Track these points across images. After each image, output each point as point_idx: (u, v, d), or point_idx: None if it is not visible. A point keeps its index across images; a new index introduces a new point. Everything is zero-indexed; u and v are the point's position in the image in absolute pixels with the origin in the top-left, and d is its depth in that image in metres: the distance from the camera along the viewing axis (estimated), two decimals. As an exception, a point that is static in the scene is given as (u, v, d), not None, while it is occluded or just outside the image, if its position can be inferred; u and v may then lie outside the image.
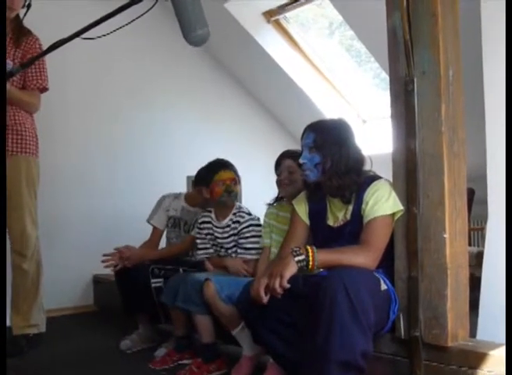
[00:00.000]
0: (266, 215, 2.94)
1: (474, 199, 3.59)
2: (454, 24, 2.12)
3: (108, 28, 2.23)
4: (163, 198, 3.57)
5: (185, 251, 3.40)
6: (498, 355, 1.89)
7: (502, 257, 2.41)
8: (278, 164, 2.82)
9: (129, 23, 2.22)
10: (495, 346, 1.97)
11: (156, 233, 3.54)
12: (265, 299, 1.96)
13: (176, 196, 3.54)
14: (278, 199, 2.88)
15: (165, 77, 5.03)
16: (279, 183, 2.80)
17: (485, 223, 3.44)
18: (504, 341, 1.98)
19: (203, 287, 2.66)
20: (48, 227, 3.88)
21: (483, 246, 3.29)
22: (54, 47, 2.36)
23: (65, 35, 2.27)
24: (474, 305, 2.28)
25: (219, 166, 3.10)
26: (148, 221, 3.54)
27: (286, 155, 2.80)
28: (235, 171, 3.12)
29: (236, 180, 3.08)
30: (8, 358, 2.78)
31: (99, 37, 2.32)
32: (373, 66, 5.36)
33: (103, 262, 3.21)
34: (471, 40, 2.33)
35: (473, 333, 2.22)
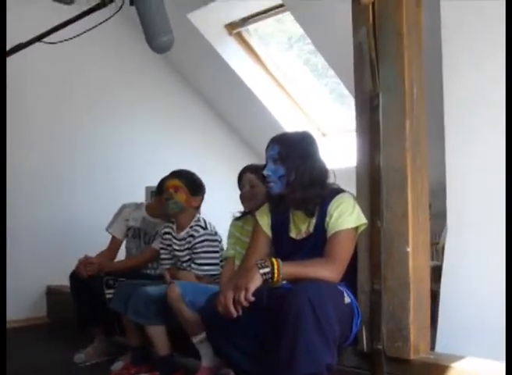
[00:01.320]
0: (232, 226, 2.92)
1: (430, 213, 3.66)
2: (418, 42, 2.17)
3: (70, 34, 2.20)
4: (123, 206, 3.51)
5: (144, 264, 3.35)
6: (459, 368, 1.92)
7: (460, 271, 2.47)
8: (240, 178, 2.82)
9: (92, 28, 2.19)
10: (456, 359, 2.00)
11: (114, 243, 3.49)
12: (235, 314, 1.93)
13: (137, 206, 3.49)
14: (244, 214, 2.86)
15: (127, 87, 4.99)
16: (241, 197, 2.80)
17: (439, 237, 3.52)
18: (467, 354, 2.03)
19: (167, 291, 2.61)
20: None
21: (437, 260, 3.35)
22: (13, 51, 2.31)
23: (25, 39, 2.23)
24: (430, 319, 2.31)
25: (168, 175, 3.06)
26: (107, 229, 3.48)
27: (247, 169, 2.80)
28: (183, 179, 3.01)
29: (177, 187, 2.98)
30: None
31: (61, 41, 2.28)
32: (330, 80, 5.42)
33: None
34: (431, 53, 2.37)
35: (432, 346, 2.25)
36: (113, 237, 3.48)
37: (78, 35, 2.22)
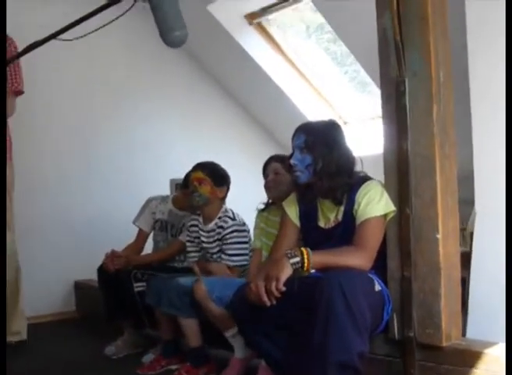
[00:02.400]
0: (257, 216, 2.92)
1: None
2: (443, 26, 2.13)
3: (85, 30, 2.21)
4: (150, 200, 3.53)
5: (171, 256, 3.36)
6: (493, 354, 1.90)
7: (489, 257, 2.45)
8: (265, 167, 2.82)
9: (107, 24, 2.19)
10: (488, 345, 1.98)
11: (141, 236, 3.51)
12: (268, 302, 1.94)
13: (164, 199, 3.50)
14: (268, 204, 2.86)
15: (149, 81, 4.98)
16: (265, 185, 2.80)
17: (467, 223, 3.49)
18: (497, 340, 2.01)
19: (193, 288, 2.62)
20: (26, 233, 3.82)
21: (465, 247, 3.32)
22: (29, 49, 2.32)
23: (42, 37, 2.24)
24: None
25: (193, 168, 3.07)
26: (134, 223, 3.50)
27: (273, 159, 2.82)
28: (207, 171, 2.99)
29: (202, 179, 2.96)
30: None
31: (76, 38, 2.29)
32: (349, 68, 5.38)
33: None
34: (457, 41, 2.34)
35: (462, 332, 2.23)
36: (140, 230, 3.50)
37: (94, 31, 2.22)
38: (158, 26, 2.03)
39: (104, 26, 2.12)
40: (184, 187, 3.21)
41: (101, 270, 3.21)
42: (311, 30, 5.38)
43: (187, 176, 3.14)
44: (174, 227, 3.39)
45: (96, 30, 2.18)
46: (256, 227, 2.91)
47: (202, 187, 2.95)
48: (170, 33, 2.00)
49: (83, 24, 2.10)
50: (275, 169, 2.74)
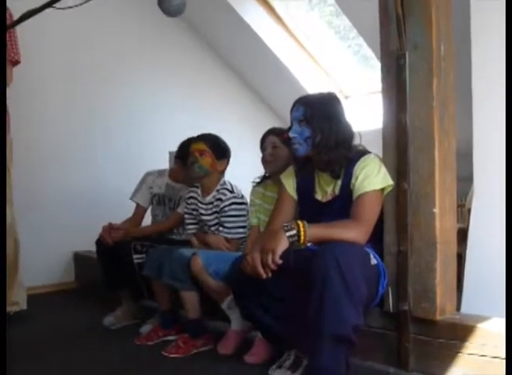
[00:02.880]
0: (252, 194, 2.92)
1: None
2: (446, -2, 2.11)
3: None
4: (146, 174, 3.52)
5: (169, 229, 3.37)
6: (486, 328, 1.92)
7: (486, 233, 2.45)
8: (262, 141, 2.80)
9: None
10: (481, 319, 2.00)
11: (139, 211, 3.51)
12: (264, 275, 1.94)
13: (160, 173, 3.49)
14: (264, 178, 2.86)
15: (147, 51, 4.95)
16: (263, 160, 2.79)
17: (465, 200, 3.49)
18: (491, 315, 2.03)
19: (190, 262, 2.64)
20: (25, 204, 3.81)
21: (463, 223, 3.33)
22: (25, 17, 2.28)
23: (37, 5, 2.21)
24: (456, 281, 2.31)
25: (192, 139, 3.05)
26: (131, 198, 3.50)
27: (270, 132, 2.79)
28: (209, 143, 2.97)
29: (202, 150, 2.94)
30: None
31: (70, 7, 2.25)
32: (352, 42, 5.34)
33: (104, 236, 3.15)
34: (459, 15, 2.32)
35: (457, 307, 2.25)
36: (137, 205, 3.50)
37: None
38: (156, -6, 2.01)
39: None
40: (178, 157, 3.21)
41: (100, 243, 3.21)
42: (314, 3, 5.33)
43: (182, 146, 3.13)
44: (171, 201, 3.39)
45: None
46: (252, 204, 2.90)
47: (203, 158, 2.94)
48: (168, 2, 1.97)
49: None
50: (272, 143, 2.73)
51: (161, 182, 3.45)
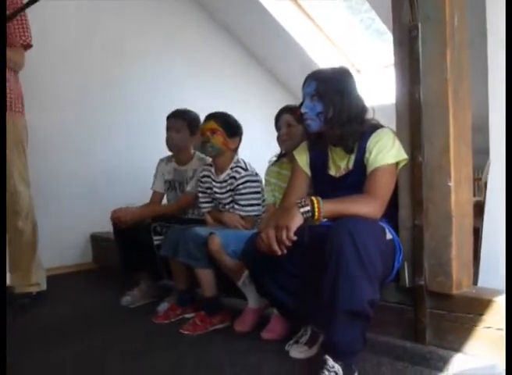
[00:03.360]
0: (267, 173, 2.91)
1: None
2: (459, -33, 2.06)
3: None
4: (159, 162, 3.53)
5: (180, 209, 3.34)
6: (501, 303, 1.91)
7: (502, 207, 2.42)
8: (277, 120, 2.79)
9: None
10: (497, 293, 1.99)
11: (156, 197, 3.51)
12: (279, 251, 1.93)
13: (169, 159, 3.48)
14: (280, 156, 2.85)
15: (158, 31, 4.95)
16: (278, 138, 2.78)
17: (482, 173, 3.45)
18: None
19: (208, 242, 2.64)
20: (41, 187, 3.84)
21: (480, 196, 3.30)
22: (33, 1, 2.28)
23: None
24: (473, 255, 2.29)
25: (205, 117, 3.04)
26: (152, 188, 3.52)
27: (284, 111, 2.77)
28: (220, 121, 2.97)
29: (214, 129, 2.94)
30: (11, 316, 2.81)
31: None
32: (364, 15, 5.26)
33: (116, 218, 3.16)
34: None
35: (474, 281, 2.23)
36: (154, 192, 3.50)
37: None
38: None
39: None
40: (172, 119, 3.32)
41: (116, 226, 3.22)
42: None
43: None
44: (181, 184, 3.38)
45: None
46: (267, 184, 2.89)
47: (215, 137, 2.93)
48: None
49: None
50: (287, 122, 2.71)
51: (170, 168, 3.45)
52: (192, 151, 3.40)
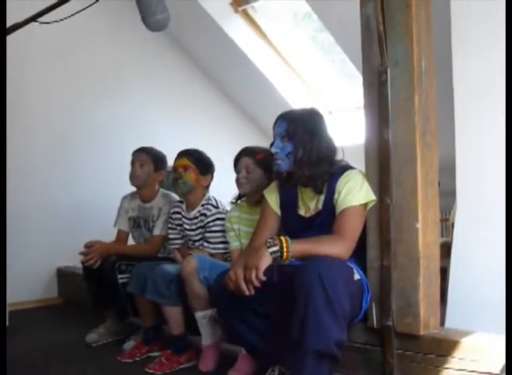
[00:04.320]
0: (227, 220, 2.85)
1: (440, 191, 3.63)
2: (427, 16, 2.13)
3: (69, 13, 2.17)
4: (123, 199, 3.48)
5: (153, 254, 3.28)
6: (470, 343, 1.92)
7: (469, 248, 2.46)
8: (236, 162, 2.77)
9: (87, 7, 2.16)
10: (465, 334, 2.00)
11: (121, 236, 3.45)
12: (247, 291, 1.93)
13: (133, 195, 3.44)
14: (238, 198, 2.84)
15: (130, 66, 4.96)
16: (237, 181, 2.76)
17: (449, 214, 3.50)
18: (475, 329, 2.03)
19: (184, 263, 2.62)
20: (9, 220, 3.77)
21: (447, 237, 3.34)
22: (8, 31, 2.28)
23: (20, 19, 2.21)
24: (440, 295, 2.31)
25: (178, 154, 3.04)
26: (114, 226, 3.46)
27: (243, 154, 2.76)
28: (192, 158, 2.97)
29: (187, 166, 2.94)
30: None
31: (56, 21, 2.26)
32: (336, 57, 5.37)
33: (83, 257, 3.10)
34: (439, 32, 2.34)
35: (441, 321, 2.25)
36: (119, 231, 3.45)
37: (74, 14, 2.19)
38: (140, 9, 2.01)
39: (81, 10, 2.10)
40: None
41: (85, 266, 3.16)
42: (299, 18, 5.37)
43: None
44: (147, 222, 3.34)
45: (76, 13, 2.16)
46: (229, 230, 2.83)
47: (187, 174, 2.93)
48: (152, 16, 1.97)
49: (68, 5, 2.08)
50: (246, 166, 2.69)
51: (134, 204, 3.41)
52: (156, 187, 3.37)
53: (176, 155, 3.06)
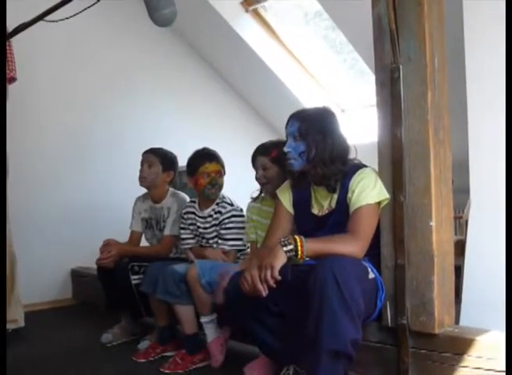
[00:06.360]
0: (248, 209, 2.90)
1: (453, 188, 3.61)
2: (439, 12, 2.12)
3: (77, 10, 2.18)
4: (136, 201, 3.51)
5: (165, 255, 3.28)
6: (484, 341, 1.91)
7: (484, 245, 2.44)
8: (253, 161, 2.79)
9: (90, 6, 2.16)
10: (480, 332, 1.98)
11: (134, 236, 3.48)
12: (264, 292, 1.93)
13: (144, 197, 3.46)
14: (261, 193, 2.84)
15: (141, 67, 4.97)
16: (257, 180, 2.77)
17: (463, 212, 3.48)
18: (490, 328, 2.01)
19: (187, 271, 2.66)
20: (22, 221, 3.82)
21: (461, 235, 3.32)
22: (16, 31, 2.29)
23: (29, 18, 2.21)
24: (455, 293, 2.30)
25: (205, 156, 3.05)
26: (130, 228, 3.49)
27: (257, 153, 2.76)
28: (221, 163, 3.06)
29: (221, 172, 3.04)
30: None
31: (62, 19, 2.25)
32: (348, 56, 5.36)
33: (99, 255, 3.14)
34: (452, 28, 2.33)
35: (456, 320, 2.24)
36: (132, 232, 3.48)
37: (80, 12, 2.19)
38: (146, 4, 2.00)
39: (87, 8, 2.10)
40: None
41: (99, 266, 3.19)
42: (309, 17, 5.36)
43: (197, 164, 3.07)
44: (158, 223, 3.36)
45: (82, 10, 2.16)
46: (248, 221, 2.89)
47: (221, 179, 3.06)
48: (158, 11, 1.96)
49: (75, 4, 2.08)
50: (262, 165, 2.70)
51: (146, 206, 3.43)
52: (166, 187, 3.38)
53: (195, 157, 3.07)
